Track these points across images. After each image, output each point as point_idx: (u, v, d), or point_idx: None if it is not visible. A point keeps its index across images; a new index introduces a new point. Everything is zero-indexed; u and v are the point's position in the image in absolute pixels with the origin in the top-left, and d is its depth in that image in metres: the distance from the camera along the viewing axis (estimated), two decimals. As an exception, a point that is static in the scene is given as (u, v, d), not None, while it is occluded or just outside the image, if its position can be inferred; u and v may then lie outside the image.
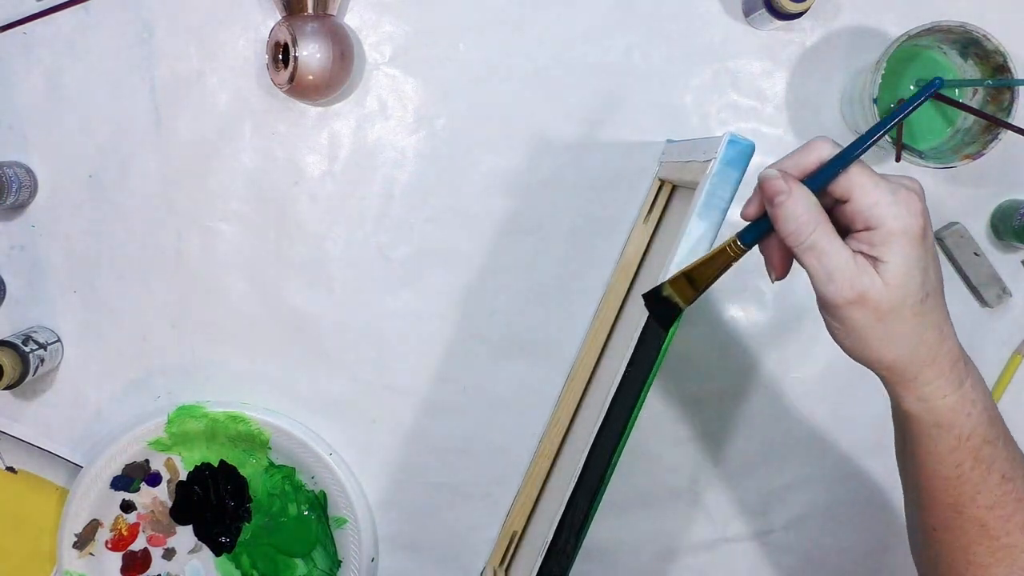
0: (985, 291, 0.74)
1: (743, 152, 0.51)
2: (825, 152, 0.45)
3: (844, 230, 0.45)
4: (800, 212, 0.44)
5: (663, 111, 0.74)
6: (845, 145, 0.45)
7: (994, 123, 0.66)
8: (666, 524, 0.78)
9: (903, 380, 0.47)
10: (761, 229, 0.47)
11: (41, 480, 0.78)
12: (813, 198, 0.44)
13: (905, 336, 0.45)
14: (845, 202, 0.44)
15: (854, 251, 0.44)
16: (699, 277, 0.48)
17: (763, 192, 0.45)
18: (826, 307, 0.45)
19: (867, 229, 0.44)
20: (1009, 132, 0.66)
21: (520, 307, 0.75)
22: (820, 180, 0.45)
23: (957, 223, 0.73)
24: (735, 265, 0.47)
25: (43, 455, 0.78)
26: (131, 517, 0.76)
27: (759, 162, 0.73)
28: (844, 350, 0.47)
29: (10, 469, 0.78)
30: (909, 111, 0.46)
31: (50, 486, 0.78)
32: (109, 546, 0.76)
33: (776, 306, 0.75)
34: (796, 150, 0.46)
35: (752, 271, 0.74)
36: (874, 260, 0.44)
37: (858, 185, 0.44)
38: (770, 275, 0.48)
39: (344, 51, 0.69)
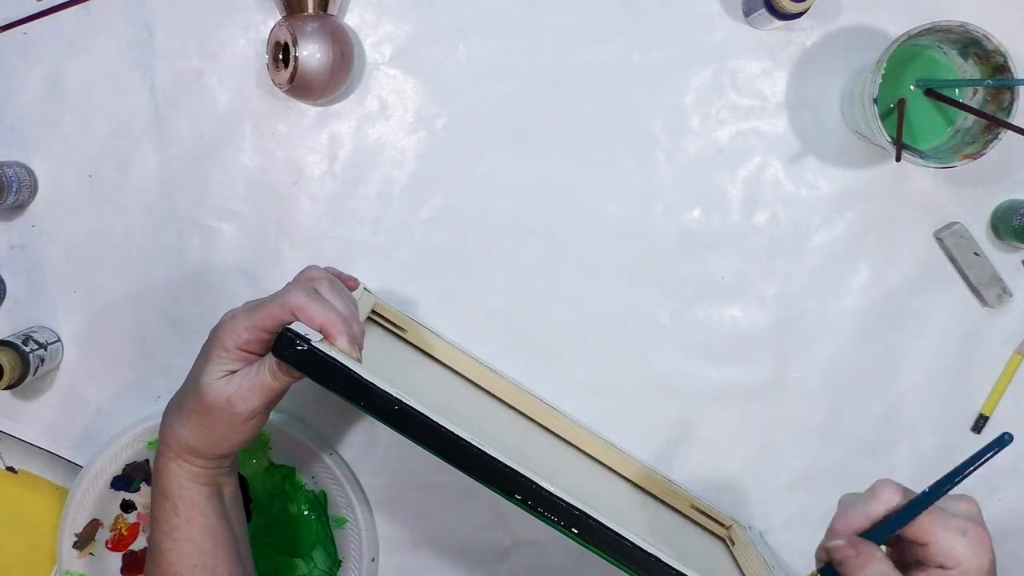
0: (985, 291, 0.74)
1: None
2: (892, 499, 0.46)
3: (911, 563, 0.47)
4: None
5: (663, 111, 0.74)
6: (911, 490, 0.46)
7: (994, 123, 0.66)
8: (666, 524, 0.78)
9: None
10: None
11: (41, 480, 0.78)
12: (883, 566, 0.46)
13: None
14: (919, 544, 0.46)
15: None
16: None
17: (831, 556, 0.47)
18: None
19: (942, 567, 0.45)
20: (1009, 132, 0.66)
21: (519, 307, 0.75)
22: (890, 528, 0.46)
23: (957, 223, 0.73)
24: None
25: (43, 455, 0.78)
26: (131, 517, 0.76)
27: (761, 161, 0.74)
28: None
29: (10, 469, 0.78)
30: (978, 464, 0.45)
31: (50, 486, 0.78)
32: (109, 546, 0.76)
33: (776, 306, 0.75)
34: (861, 498, 0.47)
35: (752, 271, 0.74)
36: None
37: (931, 532, 0.45)
38: None
39: (344, 51, 0.69)
